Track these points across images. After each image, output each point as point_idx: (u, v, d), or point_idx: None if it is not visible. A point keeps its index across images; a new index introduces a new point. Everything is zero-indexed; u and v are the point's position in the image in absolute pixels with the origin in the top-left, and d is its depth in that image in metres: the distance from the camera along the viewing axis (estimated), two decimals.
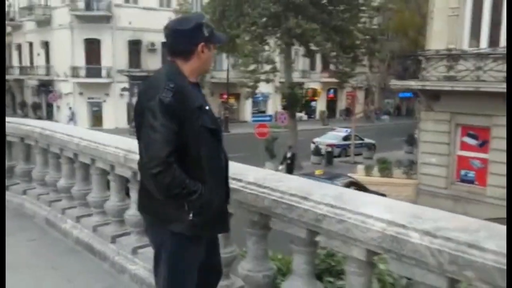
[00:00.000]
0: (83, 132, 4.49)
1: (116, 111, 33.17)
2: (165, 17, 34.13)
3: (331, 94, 47.54)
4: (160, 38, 34.61)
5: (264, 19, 21.92)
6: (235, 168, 2.64)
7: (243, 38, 22.55)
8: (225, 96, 36.95)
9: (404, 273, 2.03)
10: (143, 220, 2.52)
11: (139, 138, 2.19)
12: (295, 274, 2.53)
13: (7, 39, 42.46)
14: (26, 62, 39.82)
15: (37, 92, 39.31)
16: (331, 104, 48.32)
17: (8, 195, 5.37)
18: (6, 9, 41.59)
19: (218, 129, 2.23)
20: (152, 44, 34.89)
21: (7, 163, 5.47)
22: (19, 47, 41.03)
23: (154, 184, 2.04)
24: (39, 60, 37.55)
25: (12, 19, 39.95)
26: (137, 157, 2.37)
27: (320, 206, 2.23)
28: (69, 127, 4.95)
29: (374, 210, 2.08)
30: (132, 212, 3.64)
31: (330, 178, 16.26)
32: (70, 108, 34.32)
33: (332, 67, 27.66)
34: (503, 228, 1.90)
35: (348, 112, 44.49)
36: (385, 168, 18.55)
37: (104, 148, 3.76)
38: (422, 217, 1.99)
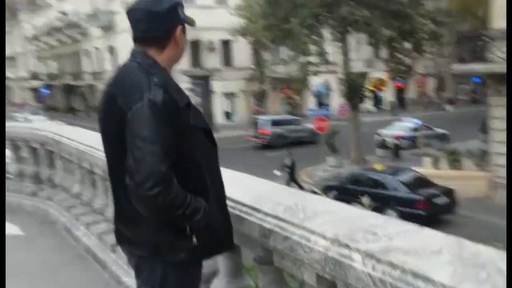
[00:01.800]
0: (87, 136, 4.41)
1: None
2: (222, 15, 34.66)
3: (399, 83, 45.54)
4: (218, 37, 35.11)
5: (316, 9, 21.24)
6: None
7: (296, 30, 22.07)
8: (287, 91, 36.60)
9: None
10: (126, 255, 2.01)
11: (115, 154, 1.80)
12: None
13: (76, 46, 45.00)
14: (96, 67, 41.89)
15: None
16: (400, 93, 46.32)
17: (36, 201, 5.50)
18: (72, 17, 44.07)
19: (210, 128, 1.92)
20: (211, 42, 35.29)
21: (34, 169, 5.59)
22: (87, 53, 43.22)
23: (152, 208, 1.62)
24: (107, 65, 39.39)
25: (79, 27, 42.13)
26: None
27: (268, 218, 1.92)
28: (76, 131, 4.90)
29: (320, 223, 1.74)
30: None
31: (393, 173, 15.48)
32: None
33: (387, 54, 26.39)
34: (476, 250, 1.50)
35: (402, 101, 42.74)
36: (455, 160, 17.29)
37: (98, 153, 3.66)
38: (377, 233, 1.63)
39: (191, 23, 1.90)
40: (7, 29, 66.00)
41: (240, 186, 2.28)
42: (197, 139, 1.78)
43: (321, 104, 39.27)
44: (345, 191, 15.21)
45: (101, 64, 40.85)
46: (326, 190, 16.12)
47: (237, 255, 2.44)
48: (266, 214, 1.94)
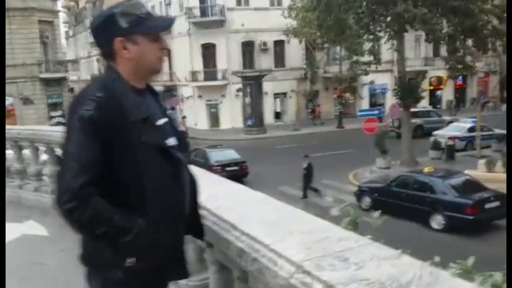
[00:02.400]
0: None
1: (232, 111, 34.29)
2: (276, 16, 34.65)
3: (460, 82, 43.47)
4: (272, 38, 35.12)
5: (370, 7, 20.69)
6: None
7: (350, 29, 21.62)
8: (339, 91, 35.97)
9: None
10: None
11: None
12: None
13: None
14: None
15: (163, 97, 42.39)
16: (460, 92, 44.24)
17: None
18: None
19: (174, 147, 1.79)
20: (264, 43, 35.37)
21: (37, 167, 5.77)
22: None
23: (70, 224, 1.62)
24: (164, 67, 40.41)
25: None
26: None
27: (243, 237, 1.81)
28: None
29: (293, 245, 1.61)
30: None
31: (442, 175, 14.76)
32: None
33: (444, 52, 25.19)
34: (455, 285, 1.32)
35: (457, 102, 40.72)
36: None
37: None
38: (349, 259, 1.48)
39: (150, 30, 1.74)
40: (75, 34, 69.61)
41: (232, 202, 2.19)
42: (146, 156, 1.68)
43: (376, 104, 38.27)
44: (390, 194, 14.71)
45: None
46: (368, 192, 15.65)
47: (228, 272, 2.33)
48: (242, 232, 1.82)
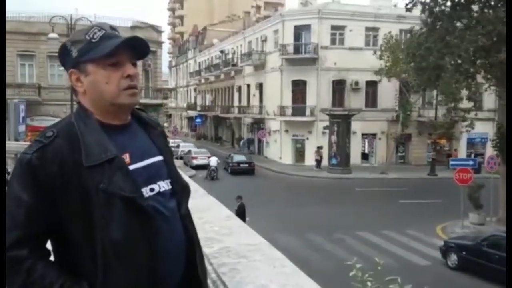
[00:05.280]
0: None
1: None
2: (370, 56, 34.29)
3: None
4: (364, 77, 34.57)
5: (471, 53, 19.52)
6: None
7: (447, 73, 20.52)
8: (433, 136, 34.09)
9: None
10: None
11: None
12: None
13: (230, 82, 48.30)
14: (244, 102, 44.45)
15: (251, 129, 43.35)
16: None
17: None
18: (230, 55, 47.59)
19: (158, 196, 1.46)
20: (356, 83, 34.86)
21: None
22: (239, 89, 46.12)
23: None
24: (254, 100, 41.51)
25: (234, 65, 45.38)
26: None
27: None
28: None
29: None
30: None
31: None
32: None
33: None
34: None
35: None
36: None
37: None
38: None
39: (95, 55, 1.43)
40: (177, 64, 74.23)
41: None
42: (103, 208, 1.35)
43: (474, 154, 35.72)
44: (480, 254, 13.27)
45: (248, 100, 43.17)
46: (455, 249, 14.28)
47: None
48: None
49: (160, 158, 1.53)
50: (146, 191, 1.44)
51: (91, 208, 1.35)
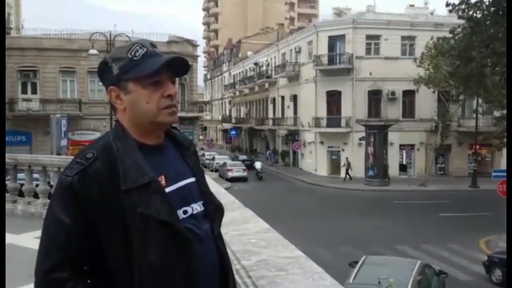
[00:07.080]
0: None
1: (353, 160, 33.37)
2: (406, 65, 33.53)
3: None
4: (401, 87, 33.98)
5: None
6: None
7: (493, 80, 19.84)
8: (476, 147, 32.96)
9: None
10: None
11: None
12: None
13: (265, 94, 48.46)
14: (278, 113, 44.43)
15: (285, 141, 43.26)
16: None
17: None
18: (264, 67, 47.80)
19: (191, 218, 1.45)
20: (393, 93, 34.28)
21: None
22: (273, 100, 46.19)
23: None
24: (288, 112, 41.45)
25: (268, 76, 45.54)
26: None
27: None
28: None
29: None
30: None
31: None
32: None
33: None
34: None
35: None
36: None
37: None
38: None
39: (138, 74, 1.42)
40: (212, 77, 75.22)
41: None
42: (141, 232, 1.34)
43: None
44: None
45: (283, 111, 43.16)
46: (500, 264, 13.68)
47: None
48: None
49: (193, 179, 1.53)
50: (180, 214, 1.44)
51: (129, 231, 1.34)
